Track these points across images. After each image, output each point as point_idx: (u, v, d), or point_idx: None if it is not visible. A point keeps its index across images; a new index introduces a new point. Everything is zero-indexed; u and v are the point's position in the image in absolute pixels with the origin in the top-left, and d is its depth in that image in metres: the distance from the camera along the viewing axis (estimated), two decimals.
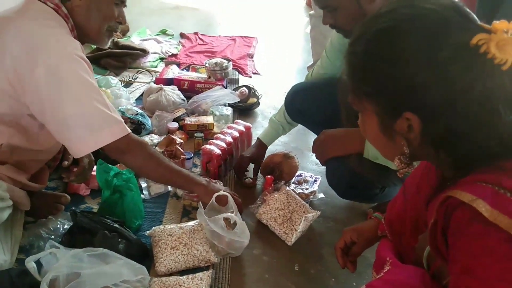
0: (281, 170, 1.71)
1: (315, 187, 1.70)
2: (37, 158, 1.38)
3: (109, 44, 1.42)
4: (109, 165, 1.43)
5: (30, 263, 1.09)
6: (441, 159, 0.70)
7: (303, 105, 1.65)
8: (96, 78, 2.35)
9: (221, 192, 1.42)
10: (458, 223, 0.63)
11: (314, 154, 1.50)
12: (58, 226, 1.38)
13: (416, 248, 0.88)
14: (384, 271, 0.84)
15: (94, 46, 2.83)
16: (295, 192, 1.62)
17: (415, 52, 0.64)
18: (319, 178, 1.75)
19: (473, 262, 0.60)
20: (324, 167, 1.52)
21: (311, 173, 1.80)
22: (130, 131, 1.27)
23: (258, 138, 1.82)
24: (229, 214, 1.41)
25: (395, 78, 0.66)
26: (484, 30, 0.62)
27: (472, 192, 0.61)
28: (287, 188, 1.60)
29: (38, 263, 1.12)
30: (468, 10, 0.65)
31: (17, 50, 1.15)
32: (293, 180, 1.75)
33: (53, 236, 1.34)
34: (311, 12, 2.64)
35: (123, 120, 1.26)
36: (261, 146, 1.80)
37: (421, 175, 0.88)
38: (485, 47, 0.60)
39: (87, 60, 1.24)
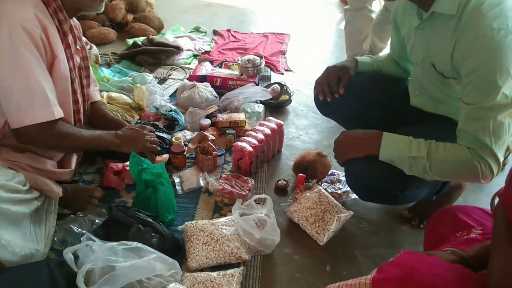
0: (314, 168, 1.68)
1: (348, 187, 1.67)
2: None
3: (102, 8, 1.38)
4: (142, 158, 1.45)
5: (68, 254, 1.12)
6: None
7: (335, 99, 1.62)
8: (131, 75, 2.42)
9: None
10: None
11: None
12: (88, 221, 1.41)
13: None
14: None
15: (130, 43, 2.90)
16: (327, 191, 1.59)
17: None
18: None
19: None
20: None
21: None
22: (61, 114, 1.25)
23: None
24: (260, 215, 1.41)
25: None
26: None
27: None
28: (319, 187, 1.58)
29: (75, 254, 1.15)
30: None
31: None
32: (325, 179, 1.73)
33: (84, 231, 1.36)
34: (346, 7, 2.59)
35: (57, 104, 1.24)
36: (353, 60, 1.64)
37: None
38: None
39: (36, 31, 1.18)
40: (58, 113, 1.25)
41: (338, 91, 1.57)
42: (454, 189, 1.58)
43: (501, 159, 1.13)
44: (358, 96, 1.57)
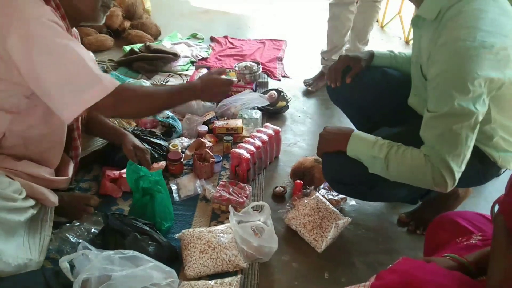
0: (312, 175, 1.68)
1: None
2: (51, 141, 1.36)
3: (103, 21, 1.38)
4: (139, 166, 1.44)
5: (64, 263, 1.11)
6: None
7: (345, 89, 1.63)
8: (129, 81, 2.41)
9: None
10: None
11: None
12: (84, 230, 1.40)
13: None
14: None
15: (127, 50, 2.90)
16: (325, 198, 1.59)
17: None
18: None
19: None
20: None
21: None
22: (115, 84, 1.20)
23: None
24: (258, 222, 1.40)
25: None
26: None
27: None
28: (317, 193, 1.57)
29: (71, 263, 1.14)
30: None
31: None
32: (323, 186, 1.72)
33: (80, 240, 1.34)
34: (331, 1, 2.58)
35: (106, 76, 1.21)
36: (369, 53, 1.64)
37: None
38: None
39: (60, 22, 1.19)
40: (112, 84, 1.19)
41: (345, 80, 1.59)
42: (451, 195, 1.57)
43: (457, 169, 1.13)
44: (367, 89, 1.58)
